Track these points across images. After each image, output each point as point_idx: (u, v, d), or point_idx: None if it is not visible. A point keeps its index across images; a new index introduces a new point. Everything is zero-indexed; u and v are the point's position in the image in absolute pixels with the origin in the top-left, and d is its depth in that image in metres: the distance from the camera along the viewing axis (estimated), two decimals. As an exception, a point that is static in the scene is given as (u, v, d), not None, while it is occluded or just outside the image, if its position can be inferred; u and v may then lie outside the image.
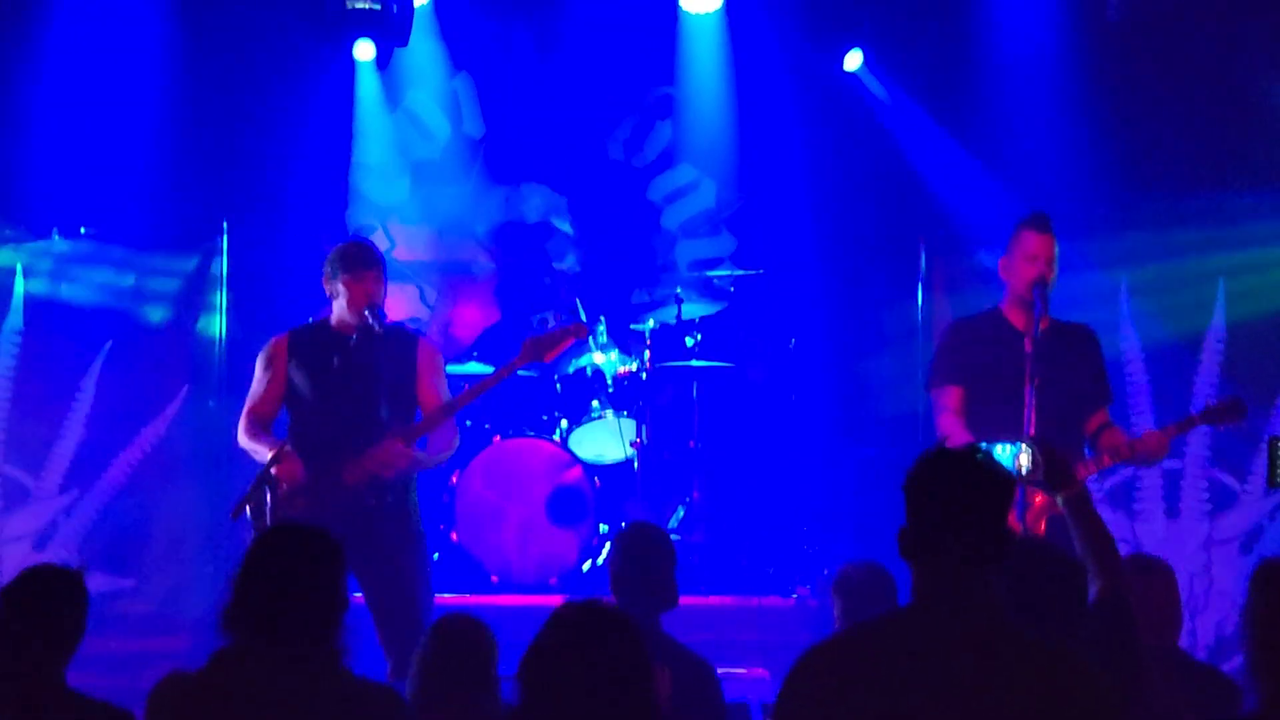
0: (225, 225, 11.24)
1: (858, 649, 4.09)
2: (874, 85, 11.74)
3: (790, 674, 4.12)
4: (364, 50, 11.33)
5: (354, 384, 7.91)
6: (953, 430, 7.98)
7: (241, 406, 8.17)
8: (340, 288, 7.98)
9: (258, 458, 7.84)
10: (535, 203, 12.56)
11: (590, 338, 11.05)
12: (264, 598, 4.65)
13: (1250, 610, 4.79)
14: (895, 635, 4.07)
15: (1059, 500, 5.48)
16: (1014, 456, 5.46)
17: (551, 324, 8.29)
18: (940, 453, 4.21)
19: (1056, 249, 8.01)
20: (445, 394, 8.17)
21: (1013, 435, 7.55)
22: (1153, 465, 8.82)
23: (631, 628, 4.48)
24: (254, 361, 8.23)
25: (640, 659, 4.44)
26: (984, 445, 5.22)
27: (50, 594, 5.10)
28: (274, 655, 4.60)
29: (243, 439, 8.01)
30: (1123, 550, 5.73)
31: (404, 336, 8.21)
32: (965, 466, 4.14)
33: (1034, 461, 5.45)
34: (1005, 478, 4.17)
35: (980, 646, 4.00)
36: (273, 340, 8.19)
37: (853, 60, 11.61)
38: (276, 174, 11.78)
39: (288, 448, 7.68)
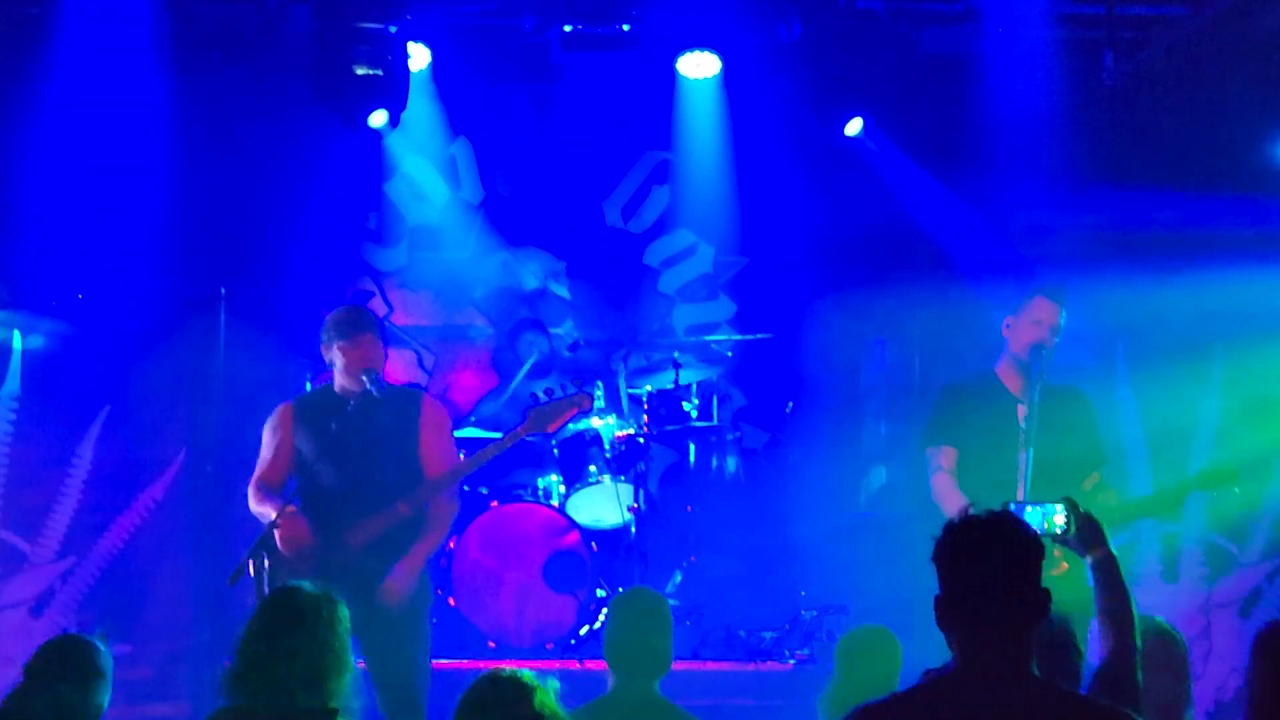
0: (223, 291, 11.24)
1: (908, 713, 4.11)
2: (874, 152, 11.77)
3: None
4: (378, 118, 11.38)
5: (354, 448, 7.93)
6: (946, 491, 8.00)
7: (239, 471, 8.19)
8: (337, 354, 8.03)
9: (265, 521, 7.86)
10: (533, 268, 12.58)
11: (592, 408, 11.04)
12: (266, 658, 4.64)
13: (1252, 673, 4.79)
14: (944, 701, 4.08)
15: (1088, 561, 5.50)
16: (1046, 516, 5.46)
17: (557, 394, 8.29)
18: (967, 521, 4.23)
19: (1063, 319, 8.07)
20: (450, 451, 8.20)
21: (1006, 498, 7.56)
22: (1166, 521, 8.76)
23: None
24: (251, 426, 8.26)
25: None
26: (1014, 506, 5.28)
27: (70, 665, 5.11)
28: (273, 715, 4.58)
29: (252, 505, 8.04)
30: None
31: (407, 397, 8.26)
32: (994, 532, 4.17)
33: (1066, 519, 5.47)
34: (1033, 539, 4.20)
35: (1027, 711, 4.01)
36: (279, 407, 8.25)
37: (854, 127, 11.65)
38: (275, 240, 11.82)
39: (291, 509, 7.70)
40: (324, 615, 4.78)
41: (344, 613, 4.84)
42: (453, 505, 8.19)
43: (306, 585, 5.00)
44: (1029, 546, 4.20)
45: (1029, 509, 5.51)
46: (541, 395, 8.33)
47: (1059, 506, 5.49)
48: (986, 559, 4.15)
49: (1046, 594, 4.20)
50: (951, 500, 7.95)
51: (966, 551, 4.18)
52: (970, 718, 4.04)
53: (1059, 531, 5.49)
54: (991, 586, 4.14)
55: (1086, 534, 5.49)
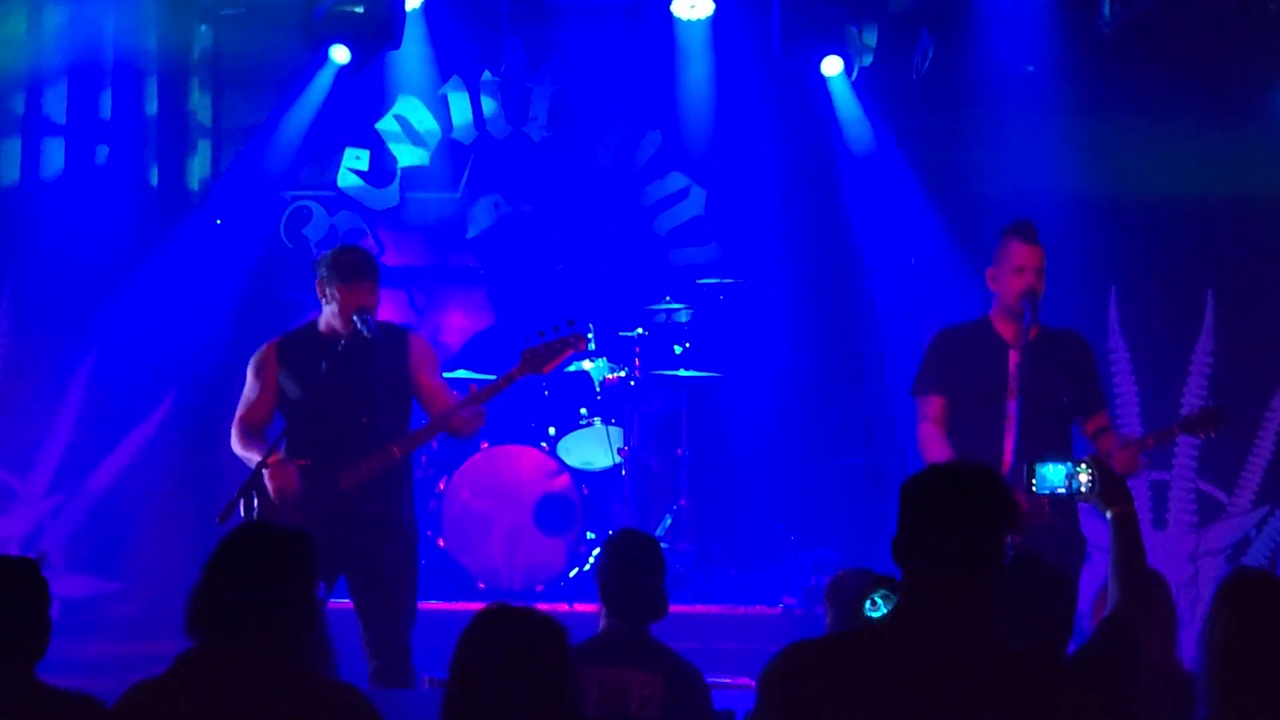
0: (219, 222, 11.23)
1: (841, 653, 4.06)
2: (861, 93, 11.74)
3: (771, 667, 4.09)
4: (339, 54, 11.32)
5: (346, 389, 7.87)
6: (930, 440, 7.98)
7: (230, 409, 8.15)
8: (335, 294, 7.94)
9: (250, 465, 7.83)
10: (525, 209, 12.54)
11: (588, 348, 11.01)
12: (228, 598, 4.61)
13: (1212, 618, 4.77)
14: (880, 645, 4.03)
15: (1108, 516, 5.50)
16: (1071, 474, 5.47)
17: (550, 335, 8.21)
18: (943, 470, 4.16)
19: (1044, 258, 7.97)
20: (443, 384, 8.18)
21: (991, 447, 7.56)
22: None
23: (554, 634, 4.58)
24: (244, 365, 8.21)
25: (559, 664, 4.54)
26: (1039, 464, 5.28)
27: (6, 587, 5.05)
28: (238, 656, 4.56)
29: (235, 447, 7.99)
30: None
31: (394, 335, 8.15)
32: (967, 486, 4.09)
33: (1091, 478, 5.48)
34: (1005, 499, 4.12)
35: (964, 664, 3.96)
36: (263, 347, 8.15)
37: (831, 66, 11.59)
38: (272, 177, 11.78)
39: (277, 457, 7.66)
40: (286, 553, 4.72)
41: (310, 550, 4.77)
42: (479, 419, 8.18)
43: (271, 523, 4.95)
44: (995, 504, 4.10)
45: (1052, 467, 5.51)
46: (538, 338, 8.25)
47: (1083, 464, 5.50)
48: (950, 511, 4.05)
49: (1003, 554, 4.11)
50: (933, 450, 7.94)
51: (931, 500, 4.08)
52: (900, 664, 3.96)
53: (1083, 489, 5.49)
54: (947, 540, 4.04)
55: (1110, 490, 5.49)
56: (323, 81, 11.64)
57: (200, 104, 11.56)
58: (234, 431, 8.01)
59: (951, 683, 3.92)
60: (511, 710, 4.49)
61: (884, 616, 4.18)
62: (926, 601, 4.03)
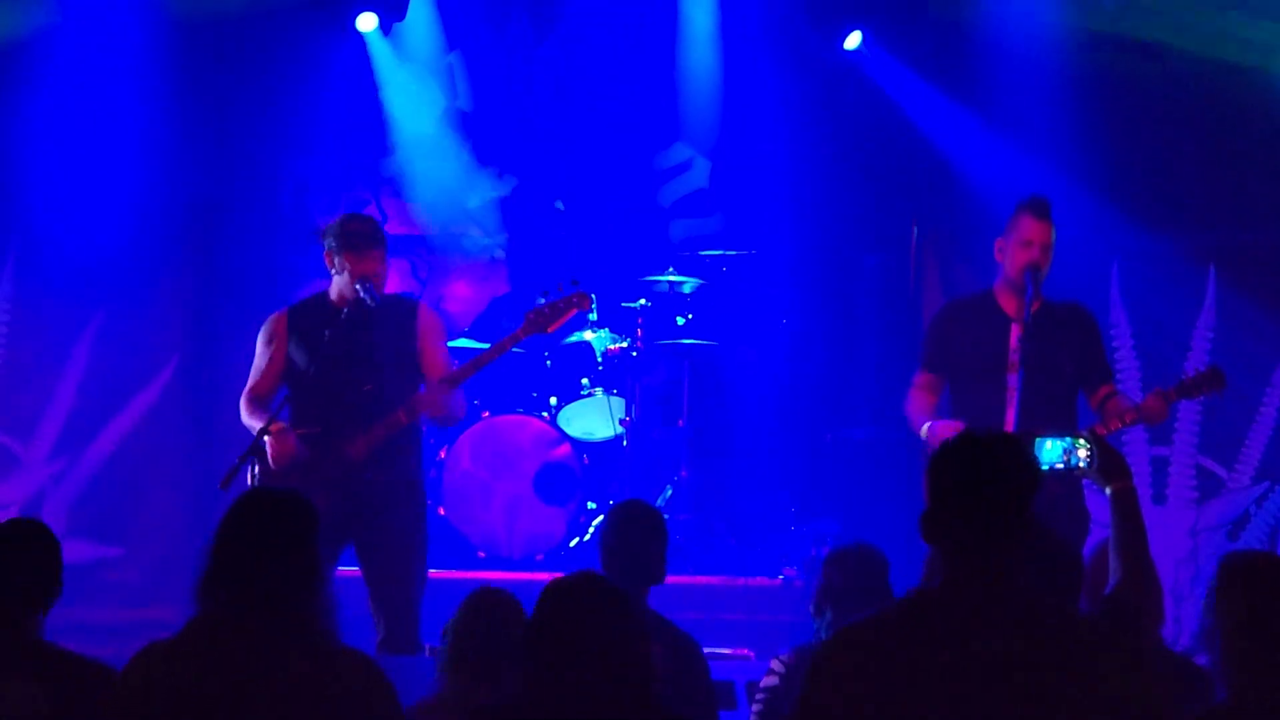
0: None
1: (892, 629, 4.08)
2: (872, 66, 11.73)
3: (822, 653, 4.11)
4: (366, 21, 11.31)
5: (353, 358, 7.88)
6: (910, 403, 8.07)
7: (233, 375, 8.16)
8: (344, 263, 7.93)
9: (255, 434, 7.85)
10: (528, 178, 12.54)
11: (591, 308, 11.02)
12: (237, 563, 4.63)
13: (1219, 605, 4.79)
14: (928, 618, 4.06)
15: (1108, 492, 5.50)
16: (1070, 450, 5.46)
17: (554, 295, 8.22)
18: (967, 439, 4.18)
19: (1054, 236, 7.99)
20: (447, 359, 8.19)
21: (993, 421, 7.57)
22: (1155, 424, 8.71)
23: (623, 598, 4.59)
24: (247, 331, 8.23)
25: (636, 627, 4.56)
26: (1038, 439, 5.30)
27: (16, 547, 5.08)
28: (247, 621, 4.58)
29: (244, 417, 7.99)
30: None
31: (403, 305, 8.18)
32: (993, 453, 4.12)
33: (1090, 453, 5.47)
34: (1031, 465, 4.16)
35: (1016, 626, 3.99)
36: (272, 316, 8.17)
37: (853, 40, 11.60)
38: (275, 147, 11.77)
39: (278, 425, 7.66)
40: (293, 518, 4.74)
41: (314, 515, 4.78)
42: (462, 403, 8.17)
43: (276, 489, 4.97)
44: (1022, 470, 4.14)
45: (1050, 443, 5.51)
46: (541, 299, 8.27)
47: (1082, 440, 5.49)
48: (978, 479, 4.09)
49: (1030, 519, 4.15)
50: (911, 411, 8.05)
51: (959, 468, 4.12)
52: (955, 634, 4.02)
53: (1082, 465, 5.48)
54: (978, 507, 4.09)
55: (1108, 466, 5.49)
56: (380, 50, 11.71)
57: (210, 69, 11.51)
58: (243, 403, 8.02)
59: (1009, 650, 3.96)
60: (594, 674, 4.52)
61: (926, 591, 4.20)
62: (969, 572, 4.07)
